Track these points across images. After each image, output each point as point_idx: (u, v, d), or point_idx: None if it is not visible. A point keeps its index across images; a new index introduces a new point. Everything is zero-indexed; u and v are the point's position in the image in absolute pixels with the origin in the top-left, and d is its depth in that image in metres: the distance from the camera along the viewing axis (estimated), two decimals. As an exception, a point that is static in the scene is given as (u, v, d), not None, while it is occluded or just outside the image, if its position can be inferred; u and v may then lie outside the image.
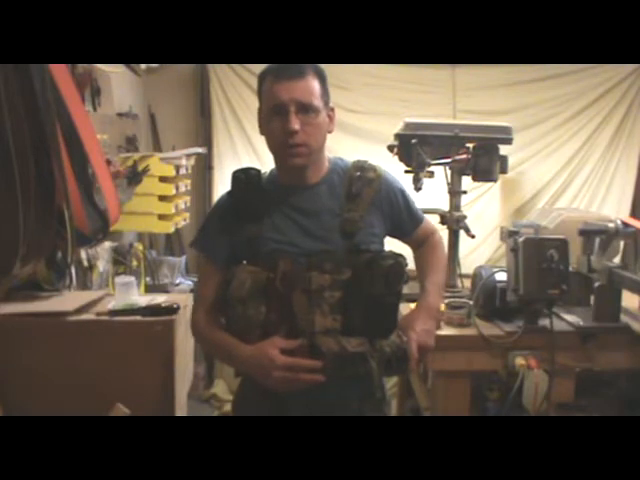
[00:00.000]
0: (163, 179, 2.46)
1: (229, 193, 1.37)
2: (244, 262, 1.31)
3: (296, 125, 1.23)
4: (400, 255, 1.30)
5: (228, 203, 1.36)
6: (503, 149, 2.28)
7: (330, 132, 1.33)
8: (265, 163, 2.78)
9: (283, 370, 1.20)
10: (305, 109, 1.24)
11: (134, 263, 2.55)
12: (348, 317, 1.24)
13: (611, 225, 1.87)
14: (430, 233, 1.50)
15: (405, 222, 1.42)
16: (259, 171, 1.37)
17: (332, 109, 1.33)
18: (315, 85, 1.26)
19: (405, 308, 1.98)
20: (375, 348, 1.26)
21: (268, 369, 1.20)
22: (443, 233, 2.37)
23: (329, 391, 1.27)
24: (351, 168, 1.36)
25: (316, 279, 1.24)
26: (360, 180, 1.34)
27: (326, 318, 1.24)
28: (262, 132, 1.33)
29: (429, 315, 1.34)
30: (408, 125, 2.24)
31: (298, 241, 1.29)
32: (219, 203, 1.40)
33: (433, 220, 2.40)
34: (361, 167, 1.36)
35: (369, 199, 1.33)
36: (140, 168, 2.30)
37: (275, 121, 1.26)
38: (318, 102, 1.26)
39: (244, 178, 1.34)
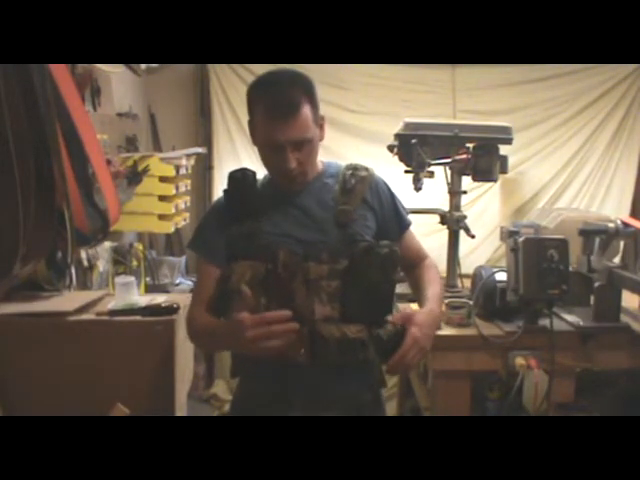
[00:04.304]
0: (163, 179, 2.46)
1: (225, 192, 1.39)
2: (240, 258, 1.31)
3: (293, 164, 1.26)
4: (395, 244, 1.33)
5: (223, 202, 1.39)
6: (503, 149, 2.28)
7: (321, 140, 1.35)
8: (265, 163, 2.78)
9: (254, 327, 1.16)
10: (301, 145, 1.26)
11: (134, 263, 2.55)
12: (345, 305, 1.26)
13: (611, 225, 1.87)
14: (424, 256, 1.50)
15: (392, 222, 1.42)
16: (254, 172, 1.39)
17: (322, 117, 1.34)
18: (308, 114, 1.26)
19: (406, 309, 1.99)
20: (372, 335, 1.27)
21: (241, 332, 1.16)
22: (443, 233, 2.40)
23: (329, 379, 1.30)
24: (344, 169, 1.40)
25: (314, 269, 1.26)
26: (353, 177, 1.38)
27: (325, 307, 1.25)
28: (255, 143, 1.34)
29: (434, 321, 1.33)
30: (408, 125, 2.24)
31: (294, 233, 1.31)
32: (215, 204, 1.44)
33: (433, 220, 2.43)
34: (354, 167, 1.41)
35: (361, 195, 1.37)
36: (140, 168, 2.29)
37: (270, 155, 1.29)
38: (312, 131, 1.28)
39: (240, 177, 1.37)
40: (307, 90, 1.28)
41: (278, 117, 1.24)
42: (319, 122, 1.33)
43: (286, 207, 1.35)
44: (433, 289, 1.40)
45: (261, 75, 1.32)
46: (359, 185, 1.37)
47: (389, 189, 1.44)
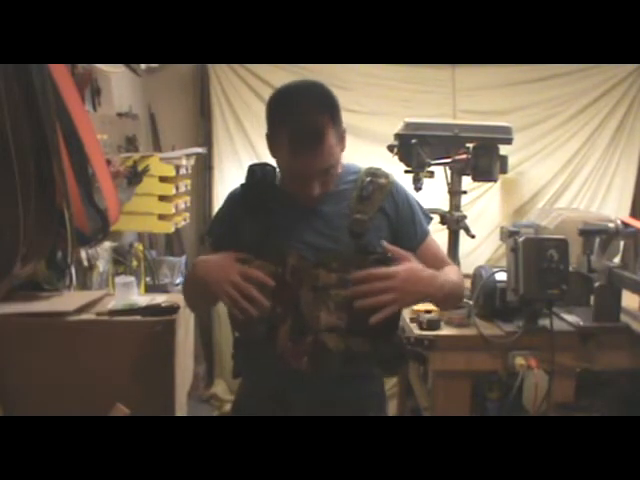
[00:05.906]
0: (163, 179, 2.45)
1: (242, 185, 1.37)
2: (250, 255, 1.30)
3: (317, 191, 1.25)
4: None
5: (240, 195, 1.37)
6: (503, 149, 2.28)
7: (342, 151, 1.31)
8: (265, 163, 2.77)
9: (240, 276, 1.20)
10: (325, 172, 1.24)
11: (134, 263, 2.55)
12: (352, 316, 1.24)
13: (611, 225, 1.87)
14: (448, 263, 1.42)
15: (408, 234, 1.36)
16: (275, 168, 1.35)
17: (344, 130, 1.30)
18: (333, 138, 1.22)
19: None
20: (376, 348, 1.26)
21: (227, 272, 1.20)
22: (443, 233, 2.39)
23: (331, 390, 1.28)
24: (363, 174, 1.35)
25: (323, 277, 1.24)
26: (371, 184, 1.33)
27: (331, 316, 1.23)
28: (274, 157, 1.31)
29: (430, 280, 1.25)
30: (408, 125, 2.24)
31: (307, 238, 1.29)
32: (231, 194, 1.41)
33: (433, 220, 2.42)
34: (373, 173, 1.35)
35: (378, 203, 1.32)
36: (140, 168, 2.29)
37: (293, 180, 1.27)
38: (337, 154, 1.24)
39: (259, 172, 1.34)
40: (332, 111, 1.23)
41: (304, 150, 1.20)
42: (342, 136, 1.29)
43: (301, 210, 1.31)
44: (448, 273, 1.34)
45: (284, 90, 1.25)
46: (377, 193, 1.32)
47: (408, 198, 1.38)
